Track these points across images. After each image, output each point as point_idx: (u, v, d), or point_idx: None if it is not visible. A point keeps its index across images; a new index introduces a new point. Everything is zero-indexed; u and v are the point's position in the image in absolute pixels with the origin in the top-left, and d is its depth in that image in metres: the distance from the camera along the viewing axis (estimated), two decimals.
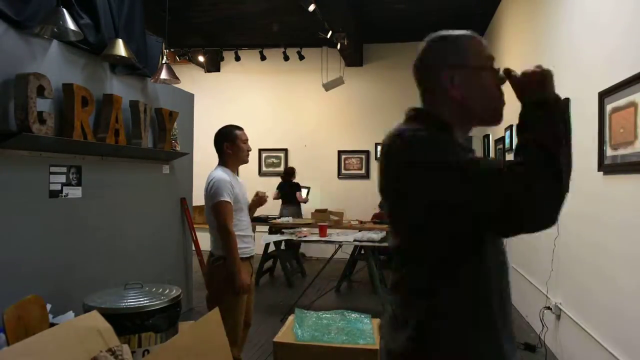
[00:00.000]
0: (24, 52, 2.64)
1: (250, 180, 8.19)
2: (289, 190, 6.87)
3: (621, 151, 2.38)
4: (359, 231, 4.69)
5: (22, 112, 2.47)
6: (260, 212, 7.08)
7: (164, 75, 3.70)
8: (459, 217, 0.89)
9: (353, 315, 3.40)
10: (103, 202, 3.33)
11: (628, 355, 2.32)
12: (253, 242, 2.76)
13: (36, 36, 2.70)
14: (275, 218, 6.14)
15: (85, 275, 3.10)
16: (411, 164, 0.92)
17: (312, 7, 4.95)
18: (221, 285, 2.46)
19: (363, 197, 7.53)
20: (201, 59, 7.80)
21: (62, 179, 2.94)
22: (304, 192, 6.98)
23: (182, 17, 6.47)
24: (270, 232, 5.73)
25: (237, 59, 7.30)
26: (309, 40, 6.81)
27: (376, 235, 4.20)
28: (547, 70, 0.94)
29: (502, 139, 5.43)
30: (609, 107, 2.51)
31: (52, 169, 2.85)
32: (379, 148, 7.52)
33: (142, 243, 3.80)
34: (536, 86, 0.93)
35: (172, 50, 7.27)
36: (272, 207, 7.27)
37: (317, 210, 5.98)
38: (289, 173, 6.99)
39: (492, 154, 6.22)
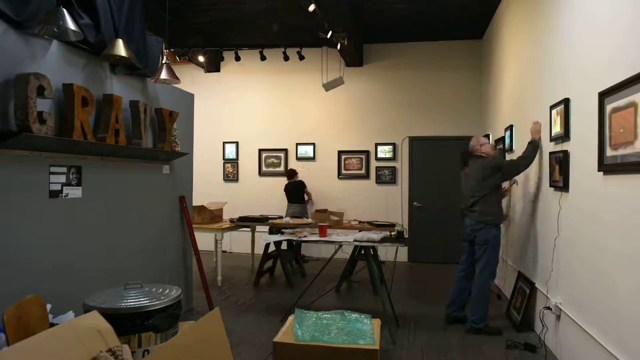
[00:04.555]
0: (24, 52, 2.64)
1: (250, 179, 8.24)
2: (296, 190, 6.96)
3: (621, 151, 2.38)
4: (359, 231, 4.69)
5: (22, 112, 2.47)
6: (260, 212, 7.09)
7: (164, 75, 3.70)
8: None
9: (353, 315, 3.40)
10: (103, 202, 3.33)
11: (628, 355, 2.32)
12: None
13: (36, 36, 2.70)
14: (275, 218, 6.15)
15: (85, 275, 3.10)
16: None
17: (312, 7, 4.95)
18: None
19: (363, 197, 7.54)
20: (201, 59, 7.80)
21: (62, 179, 2.94)
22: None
23: (182, 17, 6.47)
24: (270, 232, 5.73)
25: (237, 59, 7.29)
26: (309, 40, 6.81)
27: (376, 235, 4.20)
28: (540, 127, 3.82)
29: (502, 138, 5.44)
30: (609, 107, 2.51)
31: (52, 169, 2.85)
32: (379, 148, 7.55)
33: (142, 243, 3.81)
34: (534, 135, 3.85)
35: (172, 50, 7.27)
36: (273, 207, 7.29)
37: (317, 211, 5.98)
38: (292, 174, 7.09)
39: None
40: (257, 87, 8.07)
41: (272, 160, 8.01)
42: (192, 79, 8.13)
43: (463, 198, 4.24)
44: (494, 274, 4.00)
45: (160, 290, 2.37)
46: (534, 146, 3.80)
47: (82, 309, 2.15)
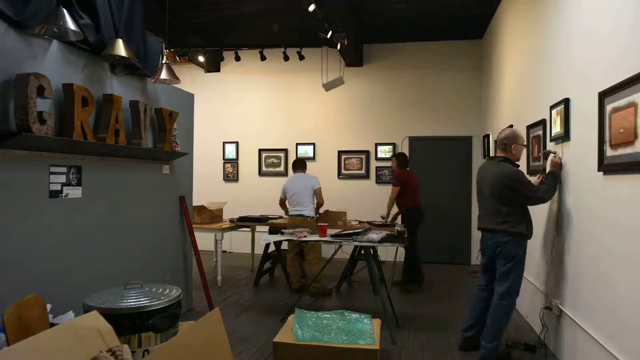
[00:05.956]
0: (24, 52, 2.64)
1: (250, 179, 8.23)
2: None
3: (621, 151, 2.38)
4: None
5: (22, 112, 2.47)
6: (260, 212, 7.09)
7: (164, 75, 3.70)
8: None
9: (353, 315, 3.40)
10: (103, 202, 3.33)
11: (628, 355, 2.32)
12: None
13: (36, 36, 2.70)
14: (275, 218, 6.14)
15: (85, 275, 3.10)
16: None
17: (312, 7, 4.95)
18: None
19: (363, 197, 7.53)
20: (201, 59, 7.79)
21: (62, 179, 2.94)
22: None
23: (182, 17, 6.47)
24: (270, 232, 5.73)
25: (237, 59, 7.29)
26: (309, 40, 6.81)
27: (376, 236, 4.20)
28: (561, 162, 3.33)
29: None
30: (609, 107, 2.51)
31: (52, 169, 2.85)
32: (379, 148, 7.54)
33: (142, 243, 3.81)
34: (556, 167, 3.32)
35: (172, 50, 7.27)
36: (273, 208, 7.28)
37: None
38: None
39: (491, 152, 6.23)
40: (257, 87, 8.07)
41: (272, 160, 8.01)
42: (192, 79, 8.13)
43: (481, 208, 3.56)
44: (518, 293, 3.38)
45: (160, 290, 2.37)
46: (554, 177, 3.29)
47: (82, 309, 2.14)
